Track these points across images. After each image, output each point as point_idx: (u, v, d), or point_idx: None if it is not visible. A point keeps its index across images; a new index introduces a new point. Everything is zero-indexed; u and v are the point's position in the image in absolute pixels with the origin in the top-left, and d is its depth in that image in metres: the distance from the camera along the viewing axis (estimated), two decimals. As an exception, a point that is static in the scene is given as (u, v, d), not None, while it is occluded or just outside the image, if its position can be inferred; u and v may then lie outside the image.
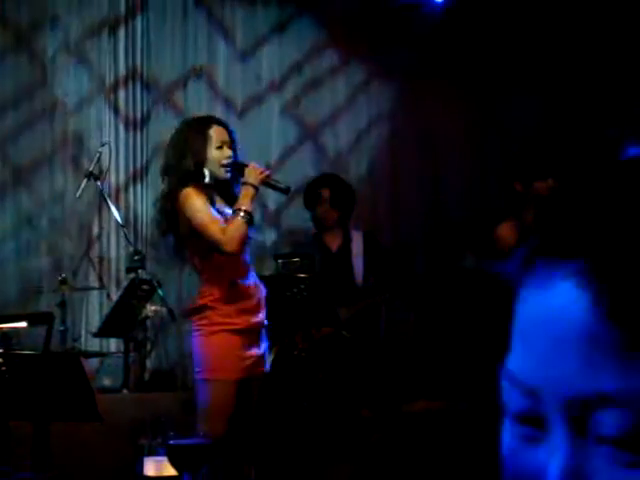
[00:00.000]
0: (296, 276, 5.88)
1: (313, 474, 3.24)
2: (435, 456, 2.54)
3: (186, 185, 4.43)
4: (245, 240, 4.45)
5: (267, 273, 6.78)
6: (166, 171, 4.62)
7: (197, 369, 4.49)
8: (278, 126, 7.52)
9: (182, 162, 4.49)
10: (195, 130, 4.59)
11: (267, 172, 4.57)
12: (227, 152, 4.52)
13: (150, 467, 3.47)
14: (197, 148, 4.49)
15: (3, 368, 3.85)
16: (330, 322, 5.92)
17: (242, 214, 4.39)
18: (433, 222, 7.70)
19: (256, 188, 4.49)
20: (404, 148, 7.74)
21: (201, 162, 4.47)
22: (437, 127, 7.75)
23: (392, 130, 7.79)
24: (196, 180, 4.45)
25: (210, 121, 4.67)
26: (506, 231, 5.43)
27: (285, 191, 4.70)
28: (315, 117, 7.61)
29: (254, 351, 4.53)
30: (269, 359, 6.08)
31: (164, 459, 3.40)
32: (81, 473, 3.86)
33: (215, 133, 4.54)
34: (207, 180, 4.48)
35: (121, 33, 7.10)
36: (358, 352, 6.14)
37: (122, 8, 7.10)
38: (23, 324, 4.91)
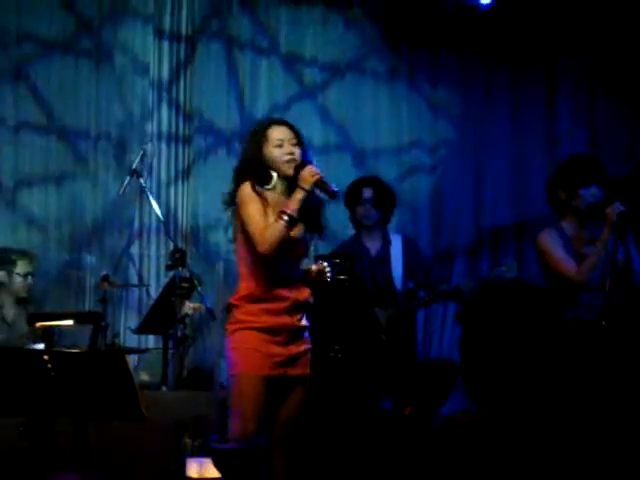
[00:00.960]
0: (337, 277, 5.86)
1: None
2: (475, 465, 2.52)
3: (244, 181, 4.41)
4: (280, 243, 4.33)
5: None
6: (236, 169, 4.58)
7: (227, 368, 4.43)
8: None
9: (241, 165, 4.50)
10: (254, 132, 4.59)
11: (320, 174, 4.45)
12: (288, 149, 4.46)
13: (193, 468, 3.47)
14: (253, 148, 4.47)
15: (49, 366, 3.85)
16: (369, 325, 5.89)
17: (285, 217, 4.32)
18: (474, 229, 7.69)
19: (307, 191, 4.40)
20: (447, 154, 7.75)
21: (258, 161, 4.45)
22: (482, 133, 7.74)
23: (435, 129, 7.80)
24: (256, 179, 4.41)
25: (268, 121, 4.65)
26: (548, 239, 5.40)
27: (333, 194, 4.52)
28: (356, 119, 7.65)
29: (284, 350, 4.41)
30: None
31: (207, 460, 3.40)
32: (121, 472, 3.84)
33: (274, 132, 4.50)
34: (273, 182, 4.43)
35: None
36: (395, 355, 6.15)
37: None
38: (70, 322, 4.92)
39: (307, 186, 4.38)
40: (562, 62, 7.80)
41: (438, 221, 7.75)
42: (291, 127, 4.55)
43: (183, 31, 7.39)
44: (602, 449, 2.54)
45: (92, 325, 5.31)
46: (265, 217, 4.35)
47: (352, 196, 6.37)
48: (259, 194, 4.38)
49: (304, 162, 4.47)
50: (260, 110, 7.38)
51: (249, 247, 4.39)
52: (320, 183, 4.42)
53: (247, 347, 4.35)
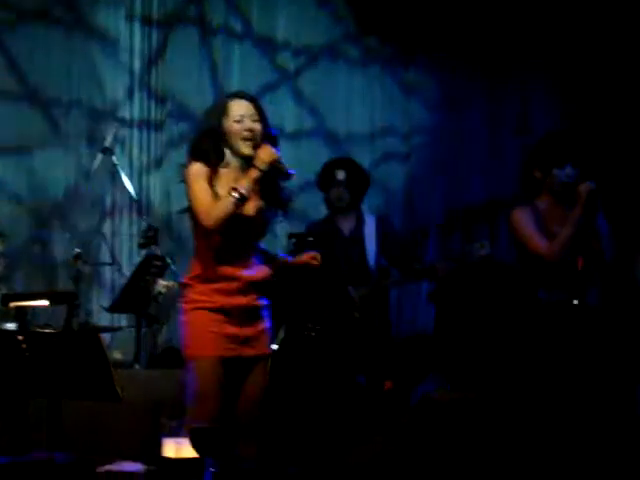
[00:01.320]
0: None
1: (338, 452, 3.24)
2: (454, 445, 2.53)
3: (195, 160, 4.31)
4: (227, 219, 4.23)
5: (280, 252, 6.83)
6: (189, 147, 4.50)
7: (183, 350, 4.36)
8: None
9: (197, 138, 4.40)
10: (216, 105, 4.53)
11: (277, 155, 4.36)
12: (248, 124, 4.34)
13: (170, 448, 3.44)
14: (213, 121, 4.38)
15: (23, 346, 3.83)
16: (342, 303, 5.91)
17: (236, 195, 4.23)
18: (447, 208, 7.71)
19: (262, 171, 4.31)
20: (421, 133, 7.76)
21: (216, 135, 4.35)
22: (455, 117, 7.75)
23: (408, 114, 7.78)
24: (207, 156, 4.32)
25: (231, 95, 4.52)
26: (521, 216, 5.42)
27: (288, 176, 4.44)
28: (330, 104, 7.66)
29: (238, 330, 4.33)
30: (277, 339, 6.14)
31: (184, 441, 3.38)
32: (97, 451, 3.83)
33: (234, 106, 4.38)
34: (226, 159, 4.34)
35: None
36: (368, 333, 6.17)
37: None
38: (45, 303, 4.89)
39: (262, 166, 4.30)
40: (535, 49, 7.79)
41: (411, 201, 7.75)
42: (253, 102, 4.43)
43: (155, 15, 7.33)
44: (574, 428, 2.55)
45: (66, 305, 5.28)
46: (212, 194, 4.26)
47: (325, 178, 6.36)
48: (211, 171, 4.29)
49: (262, 141, 4.36)
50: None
51: (198, 226, 4.31)
52: (276, 164, 4.34)
53: (201, 328, 4.28)
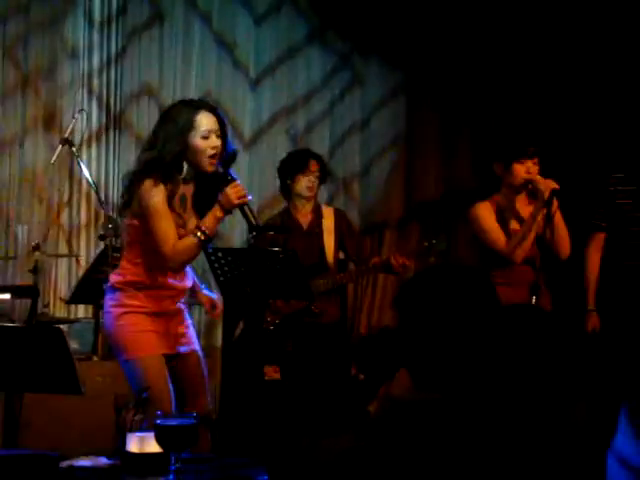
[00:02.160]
0: (270, 250, 5.84)
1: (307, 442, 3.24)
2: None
3: (151, 173, 4.13)
4: (191, 260, 4.23)
5: (239, 245, 6.82)
6: (145, 148, 4.32)
7: (119, 352, 4.27)
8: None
9: (160, 146, 4.18)
10: (186, 112, 4.24)
11: (248, 198, 4.23)
12: (214, 142, 4.19)
13: (134, 443, 3.41)
14: (178, 136, 4.16)
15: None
16: (302, 297, 5.89)
17: (201, 236, 4.15)
18: (404, 203, 7.74)
19: (227, 212, 4.20)
20: (378, 131, 7.76)
21: (182, 153, 4.18)
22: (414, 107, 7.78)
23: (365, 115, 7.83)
24: (170, 174, 4.16)
25: (200, 106, 4.29)
26: (483, 211, 5.44)
27: (254, 227, 4.31)
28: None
29: (172, 329, 4.33)
30: (235, 332, 6.15)
31: (147, 434, 3.35)
32: (59, 445, 3.81)
33: (203, 120, 4.20)
34: (183, 174, 4.21)
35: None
36: (326, 326, 6.19)
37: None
38: (7, 296, 4.85)
39: (229, 206, 4.18)
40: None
41: (367, 196, 7.76)
42: (219, 116, 4.27)
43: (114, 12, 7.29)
44: (539, 427, 2.56)
45: (29, 297, 5.26)
46: (173, 223, 4.17)
47: (296, 166, 6.28)
48: (166, 190, 4.13)
49: (224, 175, 4.22)
50: (193, 93, 7.25)
51: (146, 241, 4.20)
52: (245, 208, 4.22)
53: (138, 328, 4.23)
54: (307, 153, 6.41)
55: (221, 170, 4.25)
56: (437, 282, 2.61)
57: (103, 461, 3.40)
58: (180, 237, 4.19)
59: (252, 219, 4.27)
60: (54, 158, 6.16)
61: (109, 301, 4.29)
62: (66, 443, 3.88)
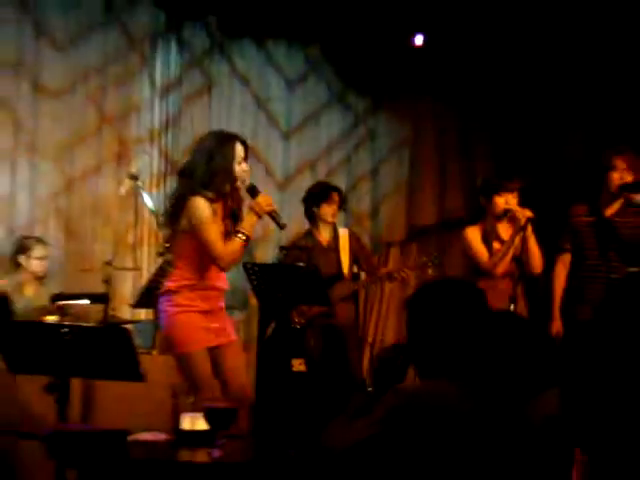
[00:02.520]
0: (295, 264, 5.91)
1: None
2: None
3: (198, 193, 4.18)
4: (238, 259, 4.30)
5: (272, 261, 6.85)
6: (184, 173, 4.34)
7: (170, 347, 4.33)
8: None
9: (206, 170, 4.21)
10: (223, 142, 4.30)
11: (274, 206, 4.33)
12: (245, 166, 4.28)
13: (186, 422, 3.47)
14: (226, 161, 4.22)
15: (68, 337, 3.85)
16: (321, 302, 5.94)
17: (243, 237, 4.21)
18: (406, 226, 7.75)
19: (260, 217, 4.27)
20: (386, 166, 7.78)
21: (227, 174, 4.22)
22: (416, 149, 7.78)
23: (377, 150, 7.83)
24: (208, 189, 4.20)
25: (235, 137, 4.36)
26: (471, 234, 5.51)
27: (281, 226, 4.44)
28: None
29: (216, 325, 4.34)
30: (268, 331, 6.19)
31: (198, 415, 3.40)
32: (126, 423, 3.84)
33: (238, 148, 4.27)
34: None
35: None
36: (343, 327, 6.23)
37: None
38: (86, 302, 4.89)
39: (261, 212, 4.24)
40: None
41: (377, 220, 7.79)
42: (246, 144, 4.34)
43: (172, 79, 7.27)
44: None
45: (102, 303, 5.30)
46: (219, 232, 4.21)
47: (321, 196, 6.34)
48: (210, 206, 4.19)
49: (252, 187, 4.31)
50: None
51: (196, 250, 4.23)
52: (273, 214, 4.31)
53: (193, 327, 4.26)
54: (329, 186, 6.48)
55: (248, 185, 4.34)
56: (441, 290, 2.67)
57: (162, 436, 3.46)
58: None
59: (279, 221, 4.35)
60: (123, 190, 6.21)
61: (166, 302, 4.31)
62: (131, 422, 3.90)
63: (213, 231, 4.19)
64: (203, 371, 4.23)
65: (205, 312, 4.32)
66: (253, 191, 4.33)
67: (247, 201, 4.39)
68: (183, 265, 4.32)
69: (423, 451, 2.39)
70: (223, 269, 4.29)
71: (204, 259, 4.27)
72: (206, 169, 4.22)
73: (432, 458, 2.38)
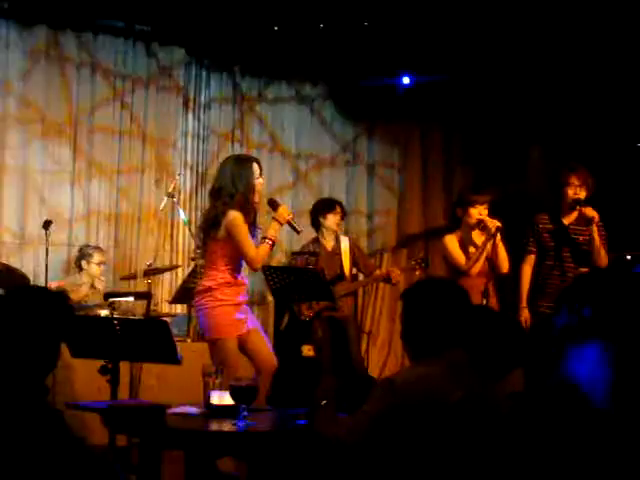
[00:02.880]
0: (305, 268, 5.92)
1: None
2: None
3: (234, 207, 4.22)
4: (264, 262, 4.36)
5: (283, 264, 6.85)
6: (216, 193, 4.35)
7: (208, 334, 4.33)
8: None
9: (234, 187, 4.25)
10: (244, 162, 4.38)
11: (292, 215, 4.41)
12: (261, 181, 4.35)
13: (215, 398, 3.47)
14: (245, 176, 4.28)
15: (117, 328, 3.87)
16: (326, 298, 5.95)
17: (270, 243, 4.26)
18: (397, 233, 7.74)
19: (282, 225, 4.34)
20: (380, 185, 7.78)
21: (251, 189, 4.27)
22: (404, 170, 7.77)
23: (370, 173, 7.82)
24: (243, 204, 4.24)
25: (252, 159, 4.47)
26: (450, 241, 5.50)
27: (298, 232, 4.53)
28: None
29: (244, 316, 4.37)
30: (283, 323, 6.19)
31: (225, 393, 3.40)
32: (165, 399, 3.85)
33: (255, 166, 4.34)
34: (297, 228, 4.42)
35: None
36: (344, 319, 6.22)
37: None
38: (131, 299, 4.90)
39: (283, 221, 4.32)
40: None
41: (372, 227, 7.77)
42: (260, 164, 4.42)
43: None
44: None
45: (145, 300, 5.29)
46: (251, 240, 4.25)
47: (327, 207, 6.33)
48: (245, 218, 4.23)
49: (274, 202, 4.38)
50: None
51: (229, 253, 4.26)
52: (291, 221, 4.37)
53: (227, 317, 4.27)
54: (333, 199, 6.48)
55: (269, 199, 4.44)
56: (432, 287, 2.68)
57: (195, 410, 3.46)
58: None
59: (296, 227, 4.44)
60: (162, 206, 6.23)
61: (206, 298, 4.31)
62: (169, 398, 3.91)
63: (247, 239, 4.24)
64: (233, 355, 4.27)
65: (236, 305, 4.35)
66: (274, 204, 4.41)
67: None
68: (220, 267, 4.32)
69: (421, 435, 2.37)
70: (255, 269, 4.33)
71: (237, 262, 4.32)
72: (232, 187, 4.26)
73: (430, 442, 2.37)
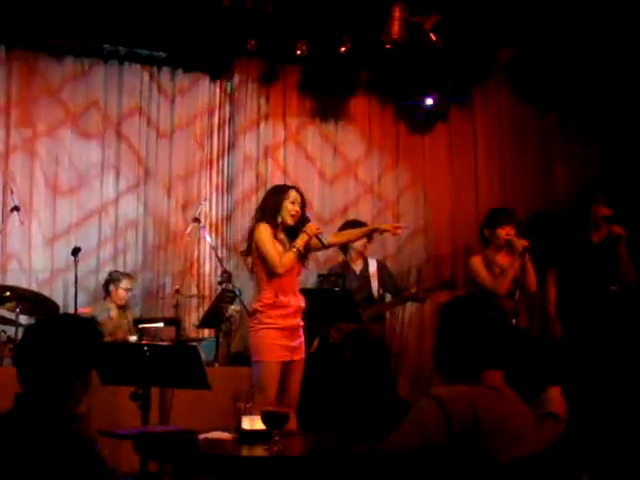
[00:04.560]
0: (332, 289, 5.90)
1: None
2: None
3: (261, 220, 4.46)
4: (291, 267, 4.42)
5: (311, 286, 6.81)
6: (254, 217, 4.66)
7: (252, 355, 4.45)
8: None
9: (264, 206, 4.55)
10: (280, 188, 4.68)
11: (320, 230, 4.58)
12: (296, 207, 4.52)
13: (246, 423, 3.46)
14: (277, 198, 4.53)
15: (148, 353, 3.87)
16: (355, 321, 5.92)
17: (295, 250, 4.42)
18: (424, 255, 7.65)
19: (310, 237, 4.50)
20: (407, 205, 7.68)
21: (279, 208, 4.48)
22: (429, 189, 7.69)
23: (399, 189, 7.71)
24: (268, 218, 4.46)
25: (290, 186, 4.73)
26: (476, 262, 5.48)
27: (325, 246, 4.68)
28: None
29: (292, 343, 4.44)
30: (313, 346, 6.15)
31: (256, 417, 3.38)
32: (195, 424, 3.84)
33: (291, 193, 4.56)
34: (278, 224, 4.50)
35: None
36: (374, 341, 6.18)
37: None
38: (160, 324, 4.92)
39: (311, 234, 4.48)
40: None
41: (400, 248, 7.66)
42: (302, 194, 4.62)
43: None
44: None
45: (174, 326, 5.31)
46: (276, 248, 4.40)
47: None
48: (271, 229, 4.43)
49: (306, 218, 4.54)
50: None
51: (266, 269, 4.41)
52: (319, 235, 4.52)
53: (270, 341, 4.35)
54: (360, 222, 6.41)
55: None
56: (472, 304, 2.64)
57: (226, 435, 3.45)
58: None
59: (323, 241, 4.57)
60: (188, 230, 6.25)
61: (253, 321, 4.46)
62: (200, 423, 3.90)
63: (270, 246, 4.40)
64: (269, 379, 4.32)
65: (283, 329, 4.40)
66: (305, 220, 4.59)
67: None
68: (262, 287, 4.48)
69: (469, 450, 2.33)
70: (277, 273, 4.40)
71: (276, 279, 4.40)
72: (263, 208, 4.57)
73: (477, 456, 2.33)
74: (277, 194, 4.57)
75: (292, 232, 4.57)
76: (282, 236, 4.54)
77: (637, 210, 6.05)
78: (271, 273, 4.42)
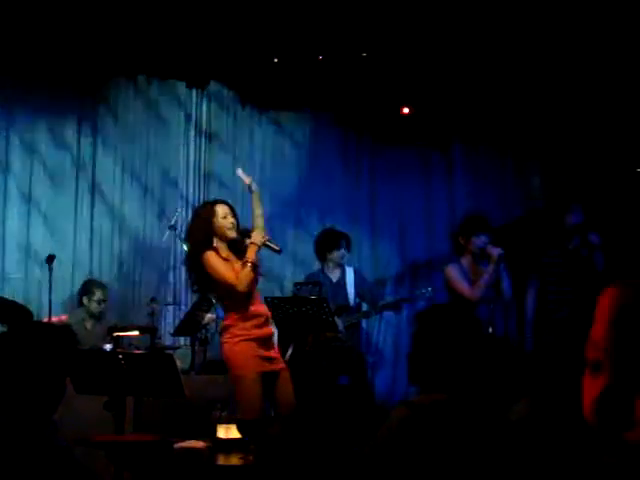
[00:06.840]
0: (308, 297, 5.89)
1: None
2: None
3: (204, 250, 4.31)
4: (251, 281, 4.34)
5: (288, 295, 6.81)
6: (187, 237, 4.57)
7: (231, 369, 4.37)
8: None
9: (196, 232, 4.40)
10: (202, 210, 4.53)
11: (268, 237, 4.47)
12: (230, 220, 4.41)
13: (221, 431, 3.46)
14: (204, 224, 4.37)
15: (122, 362, 3.85)
16: (331, 329, 5.91)
17: (249, 264, 4.30)
18: (401, 263, 7.69)
19: (259, 247, 4.40)
20: (383, 215, 7.73)
21: (210, 231, 4.35)
22: (407, 202, 7.73)
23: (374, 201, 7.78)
24: (208, 244, 4.33)
25: (215, 201, 4.57)
26: (451, 270, 5.50)
27: (278, 251, 4.56)
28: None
29: (268, 352, 4.41)
30: (287, 353, 6.13)
31: (231, 426, 3.39)
32: (171, 432, 3.83)
33: (218, 209, 4.41)
34: (214, 244, 4.38)
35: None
36: (348, 348, 6.18)
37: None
38: (135, 333, 4.89)
39: (259, 243, 4.37)
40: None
41: (376, 257, 7.71)
42: (229, 205, 4.48)
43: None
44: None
45: (150, 334, 5.28)
46: (230, 268, 4.30)
47: (331, 242, 6.32)
48: (216, 254, 4.30)
49: (245, 229, 4.44)
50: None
51: (224, 294, 4.36)
52: (267, 242, 4.43)
53: (246, 354, 4.30)
54: (338, 233, 6.41)
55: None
56: (449, 312, 2.63)
57: (201, 444, 3.44)
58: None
59: (275, 248, 4.46)
60: (164, 238, 6.23)
61: (226, 335, 4.37)
62: (175, 431, 3.89)
63: (222, 267, 4.28)
64: (251, 392, 4.25)
65: (259, 339, 4.35)
66: (245, 232, 4.49)
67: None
68: (228, 302, 4.40)
69: (426, 455, 2.32)
70: (240, 292, 4.31)
71: (241, 294, 4.33)
72: (196, 232, 4.39)
73: (434, 461, 2.32)
74: (201, 218, 4.41)
75: (233, 243, 4.45)
76: (227, 253, 4.42)
77: (611, 219, 6.12)
78: (233, 292, 4.33)
